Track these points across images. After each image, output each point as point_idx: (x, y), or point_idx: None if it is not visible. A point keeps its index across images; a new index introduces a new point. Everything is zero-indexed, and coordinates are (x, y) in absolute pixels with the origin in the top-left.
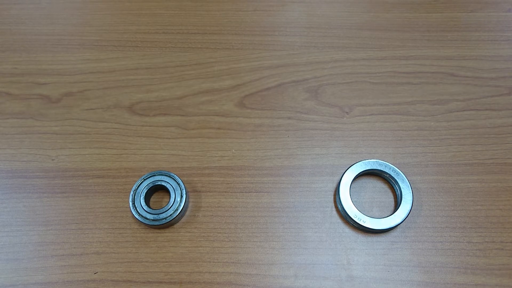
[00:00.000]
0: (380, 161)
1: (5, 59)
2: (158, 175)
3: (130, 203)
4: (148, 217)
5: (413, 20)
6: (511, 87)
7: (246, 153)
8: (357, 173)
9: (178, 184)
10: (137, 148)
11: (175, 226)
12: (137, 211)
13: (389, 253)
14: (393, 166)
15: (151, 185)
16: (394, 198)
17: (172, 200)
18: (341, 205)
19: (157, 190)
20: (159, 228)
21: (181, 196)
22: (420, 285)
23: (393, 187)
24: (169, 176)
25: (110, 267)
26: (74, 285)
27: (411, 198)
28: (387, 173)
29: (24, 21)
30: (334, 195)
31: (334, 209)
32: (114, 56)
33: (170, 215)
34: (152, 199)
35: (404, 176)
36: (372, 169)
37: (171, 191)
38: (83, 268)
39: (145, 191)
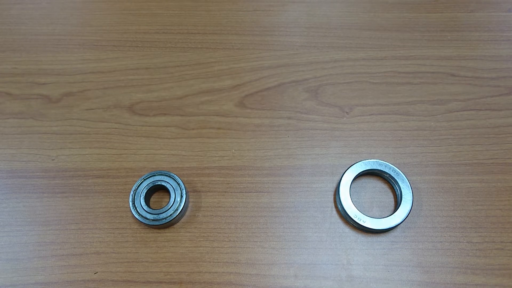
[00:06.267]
0: (380, 161)
1: (5, 59)
2: (158, 175)
3: (130, 203)
4: (148, 217)
5: (413, 20)
6: (511, 87)
7: (246, 153)
8: (357, 173)
9: (178, 184)
10: (137, 148)
11: (175, 226)
12: (137, 211)
13: (389, 253)
14: (393, 166)
15: (151, 185)
16: (394, 198)
17: (172, 200)
18: (341, 205)
19: (157, 190)
20: (159, 228)
21: (181, 196)
22: (420, 285)
23: (393, 187)
24: (169, 176)
25: (110, 267)
26: (74, 285)
27: (411, 198)
28: (387, 173)
29: (24, 21)
30: (334, 195)
31: (334, 209)
32: (114, 56)
33: (170, 215)
34: (152, 199)
35: (404, 176)
36: (372, 169)
37: (171, 191)
38: (83, 268)
39: (145, 191)
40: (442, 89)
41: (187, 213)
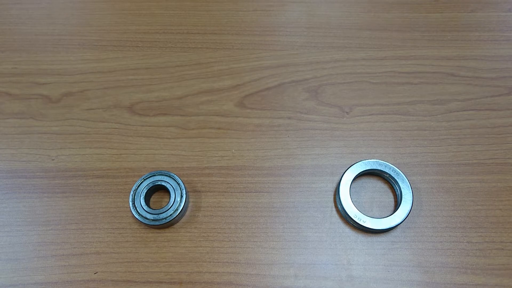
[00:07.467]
0: (380, 161)
1: (5, 59)
2: (158, 175)
3: (130, 203)
4: (148, 217)
5: (413, 20)
6: (511, 87)
7: (246, 153)
8: (357, 173)
9: (178, 184)
10: (137, 148)
11: (175, 226)
12: (137, 211)
13: (389, 253)
14: (393, 166)
15: (151, 185)
16: (394, 198)
17: (172, 200)
18: (341, 205)
19: (157, 190)
20: (159, 228)
21: (181, 196)
22: (420, 285)
23: (393, 187)
24: (169, 176)
25: (110, 267)
26: (74, 285)
27: (411, 198)
28: (387, 173)
29: (24, 21)
30: (334, 195)
31: (334, 209)
32: (114, 56)
33: (170, 215)
34: (152, 199)
35: (404, 176)
36: (372, 169)
37: (171, 191)
38: (83, 268)
39: (145, 191)
40: (442, 89)
41: (187, 213)
